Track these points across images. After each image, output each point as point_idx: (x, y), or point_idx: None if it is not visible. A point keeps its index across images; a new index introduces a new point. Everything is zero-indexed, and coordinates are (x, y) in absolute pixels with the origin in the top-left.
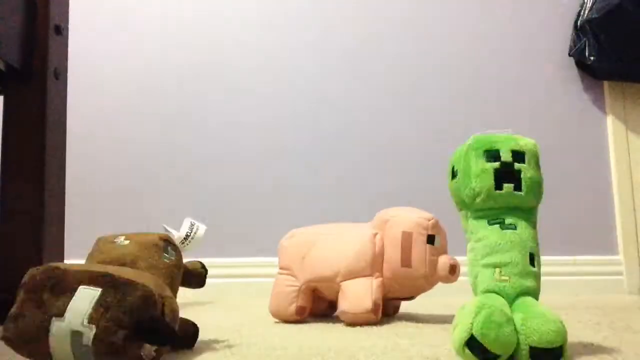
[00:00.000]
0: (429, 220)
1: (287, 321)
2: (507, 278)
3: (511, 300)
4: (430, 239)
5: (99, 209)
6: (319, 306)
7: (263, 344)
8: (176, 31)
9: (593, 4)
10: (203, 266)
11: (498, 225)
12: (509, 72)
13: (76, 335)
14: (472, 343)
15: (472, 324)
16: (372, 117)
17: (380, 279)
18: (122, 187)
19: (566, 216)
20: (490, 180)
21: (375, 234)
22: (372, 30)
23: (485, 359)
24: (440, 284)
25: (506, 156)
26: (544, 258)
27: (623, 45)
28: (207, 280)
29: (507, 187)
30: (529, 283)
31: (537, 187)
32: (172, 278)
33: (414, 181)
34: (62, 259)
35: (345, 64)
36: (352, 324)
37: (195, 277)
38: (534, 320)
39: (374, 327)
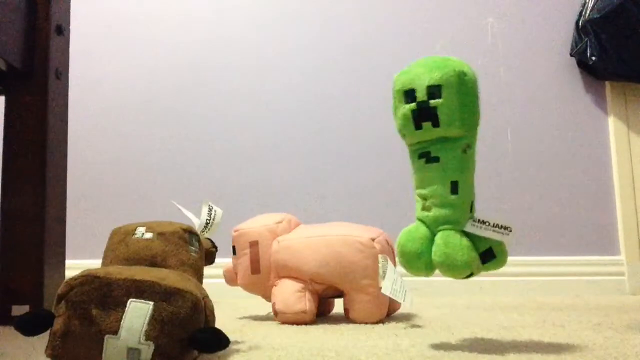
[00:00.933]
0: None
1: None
2: (429, 208)
3: (434, 228)
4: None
5: (99, 208)
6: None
7: (265, 345)
8: (177, 30)
9: (595, 3)
10: (214, 245)
11: (424, 159)
12: (510, 71)
13: (133, 352)
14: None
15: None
16: (374, 116)
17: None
18: (123, 187)
19: (567, 216)
20: (409, 122)
21: None
22: (371, 28)
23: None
24: (443, 282)
25: (421, 94)
26: (545, 258)
27: (625, 46)
28: (209, 280)
29: (426, 125)
30: (448, 212)
31: (459, 116)
32: (199, 270)
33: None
34: (62, 259)
35: (345, 63)
36: None
37: (207, 256)
38: (442, 256)
39: (375, 328)
